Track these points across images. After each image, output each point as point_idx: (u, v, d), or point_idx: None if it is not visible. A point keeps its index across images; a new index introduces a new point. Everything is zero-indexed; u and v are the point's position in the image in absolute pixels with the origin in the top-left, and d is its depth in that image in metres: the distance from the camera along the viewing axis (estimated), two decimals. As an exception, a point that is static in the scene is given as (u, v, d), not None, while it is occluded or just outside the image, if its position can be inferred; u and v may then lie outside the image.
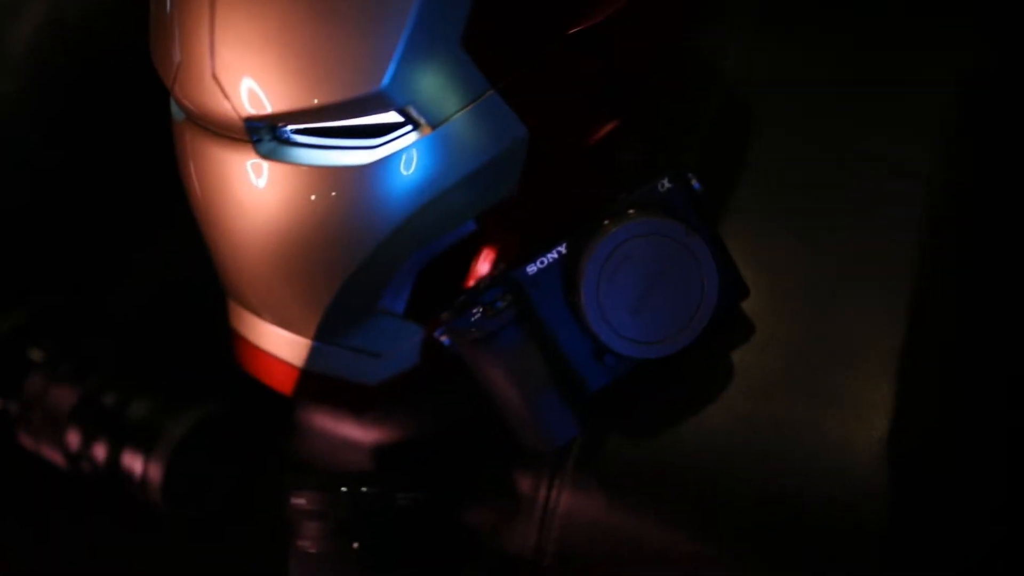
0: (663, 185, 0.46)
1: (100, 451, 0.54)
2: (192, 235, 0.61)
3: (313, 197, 0.42)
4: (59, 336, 0.58)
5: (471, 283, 0.48)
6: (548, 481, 0.50)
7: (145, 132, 0.62)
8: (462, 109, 0.41)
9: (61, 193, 0.63)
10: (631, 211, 0.45)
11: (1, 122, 0.61)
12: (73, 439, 0.54)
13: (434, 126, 0.41)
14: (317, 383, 0.48)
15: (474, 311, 0.44)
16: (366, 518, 0.46)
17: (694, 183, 0.46)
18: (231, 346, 0.51)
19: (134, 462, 0.53)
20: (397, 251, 0.44)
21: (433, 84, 0.40)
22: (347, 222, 0.42)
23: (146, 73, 0.62)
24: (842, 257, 0.50)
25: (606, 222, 0.45)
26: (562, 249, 0.45)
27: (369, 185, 0.41)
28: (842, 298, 0.50)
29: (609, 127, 0.46)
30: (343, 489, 0.47)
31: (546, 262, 0.45)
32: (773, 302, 0.49)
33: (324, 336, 0.46)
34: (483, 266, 0.48)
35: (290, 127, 0.42)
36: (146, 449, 0.53)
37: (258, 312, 0.48)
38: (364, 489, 0.47)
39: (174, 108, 0.46)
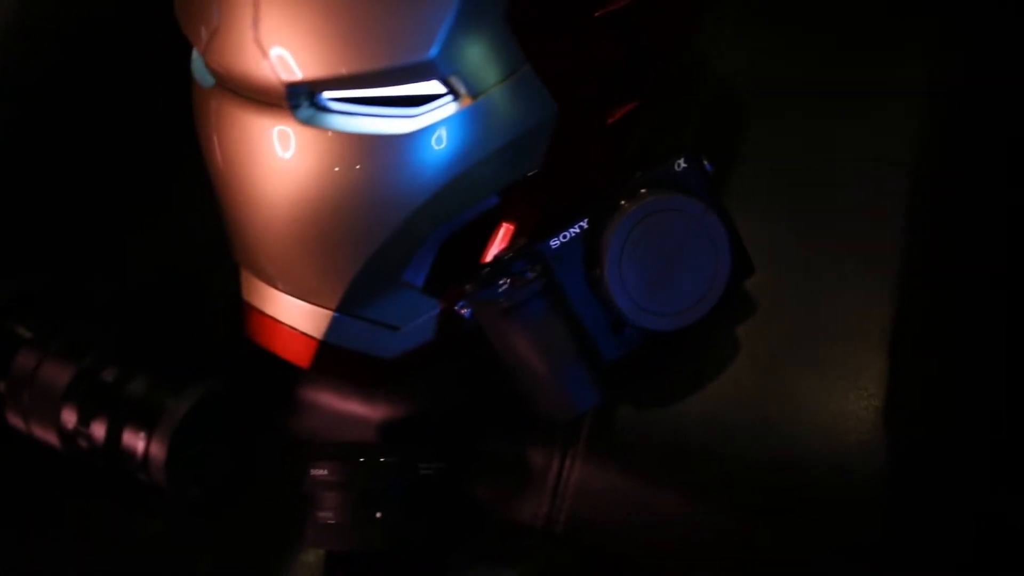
0: (679, 165, 0.48)
1: (99, 429, 0.53)
2: (186, 216, 0.61)
3: (351, 165, 0.43)
4: (45, 315, 0.56)
5: (488, 257, 0.49)
6: (561, 451, 0.51)
7: (136, 111, 0.61)
8: (500, 82, 0.42)
9: (43, 171, 0.62)
10: (648, 188, 0.47)
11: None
12: (69, 417, 0.53)
13: (474, 97, 0.42)
14: (334, 356, 0.48)
15: (501, 282, 0.45)
16: (389, 488, 0.47)
17: (706, 164, 0.48)
18: (243, 320, 0.51)
19: (136, 440, 0.52)
20: (428, 222, 0.45)
21: (477, 55, 0.41)
22: (383, 190, 0.43)
23: (134, 48, 0.62)
24: (832, 240, 0.53)
25: (625, 199, 0.46)
26: (584, 224, 0.47)
27: (407, 153, 0.42)
28: (834, 278, 0.52)
29: (628, 108, 0.48)
30: (365, 459, 0.47)
31: (568, 236, 0.46)
32: (771, 281, 0.51)
33: (346, 307, 0.47)
34: (501, 240, 0.49)
35: (328, 94, 0.42)
36: (148, 427, 0.52)
37: (278, 283, 0.48)
38: (386, 459, 0.47)
39: (200, 74, 0.46)
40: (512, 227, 0.49)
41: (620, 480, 0.50)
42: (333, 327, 0.47)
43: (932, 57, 0.56)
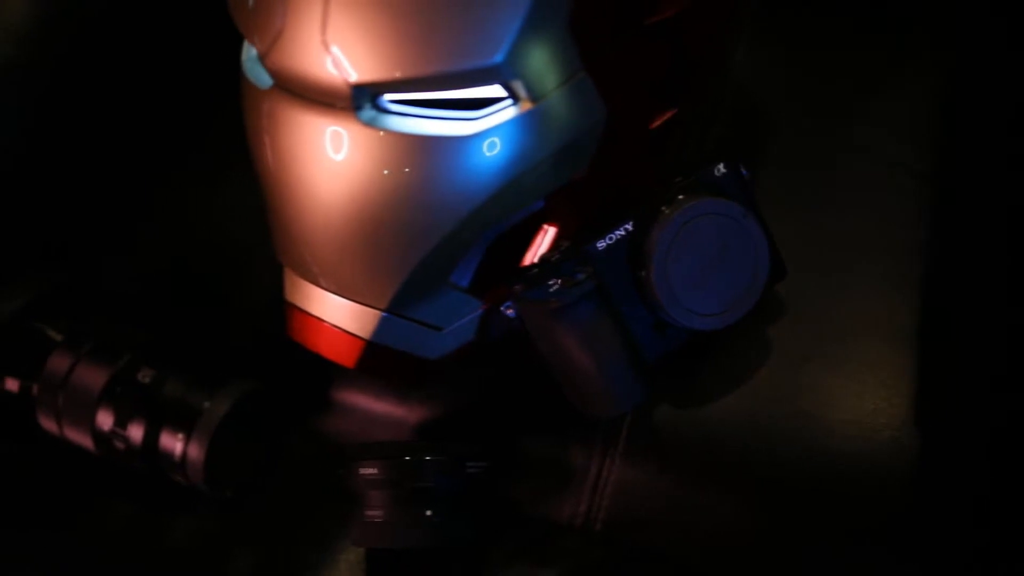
0: (719, 170, 0.49)
1: (135, 432, 0.52)
2: (197, 209, 0.61)
3: (410, 166, 0.43)
4: (71, 313, 0.56)
5: (529, 258, 0.51)
6: (601, 451, 0.52)
7: (151, 110, 0.61)
8: (558, 87, 0.43)
9: (58, 163, 0.62)
10: (689, 192, 0.48)
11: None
12: (105, 420, 0.53)
13: (533, 102, 0.43)
14: (378, 356, 0.49)
15: (551, 282, 0.46)
16: (438, 486, 0.47)
17: (742, 170, 0.50)
18: (284, 320, 0.51)
19: (174, 442, 0.52)
20: (481, 224, 0.46)
21: (540, 60, 0.42)
22: (440, 192, 0.44)
23: (154, 40, 0.62)
24: (853, 241, 0.55)
25: (669, 203, 0.48)
26: (629, 227, 0.48)
27: (466, 156, 0.43)
28: (857, 279, 0.54)
29: (668, 115, 0.49)
30: (412, 458, 0.48)
31: (614, 238, 0.48)
32: (798, 283, 0.53)
33: (394, 307, 0.47)
34: (544, 242, 0.50)
35: (389, 96, 0.43)
36: (186, 429, 0.52)
37: (325, 283, 0.48)
38: (433, 458, 0.48)
39: (255, 75, 0.46)
40: (555, 229, 0.50)
41: (658, 479, 0.52)
42: (380, 327, 0.48)
43: (939, 63, 0.58)
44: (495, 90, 0.43)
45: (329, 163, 0.44)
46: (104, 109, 0.63)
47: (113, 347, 0.54)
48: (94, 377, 0.53)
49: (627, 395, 0.47)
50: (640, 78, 0.47)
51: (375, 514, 0.48)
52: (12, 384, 0.54)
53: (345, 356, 0.49)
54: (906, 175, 0.56)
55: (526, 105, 0.43)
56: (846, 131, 0.58)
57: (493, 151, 0.43)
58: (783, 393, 0.52)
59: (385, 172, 0.43)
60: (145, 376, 0.53)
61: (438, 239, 0.45)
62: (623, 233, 0.48)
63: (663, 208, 0.48)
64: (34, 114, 0.61)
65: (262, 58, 0.44)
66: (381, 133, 0.43)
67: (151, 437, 0.52)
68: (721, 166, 0.49)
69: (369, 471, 0.47)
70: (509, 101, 0.43)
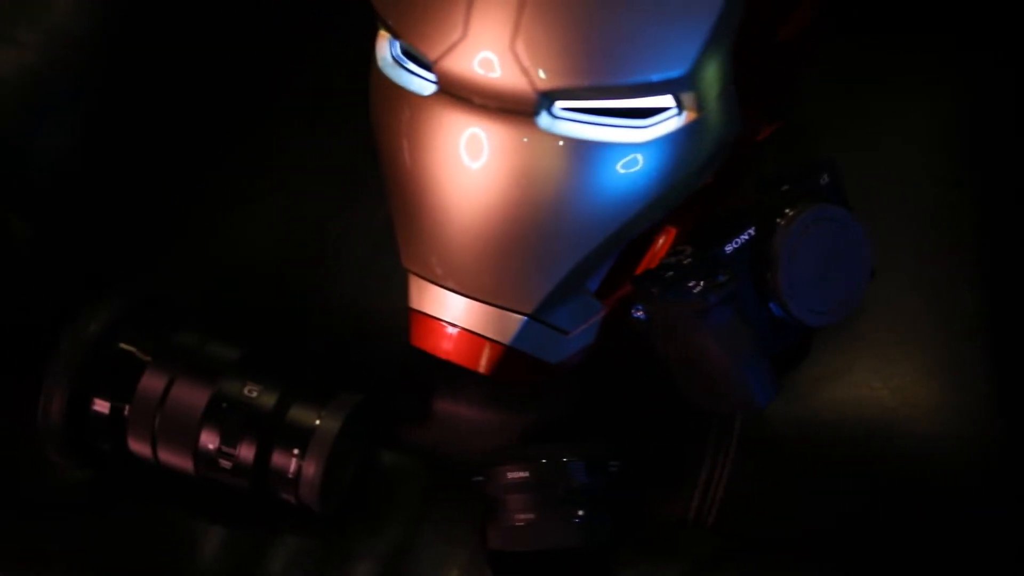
0: (824, 179, 0.53)
1: (246, 450, 0.50)
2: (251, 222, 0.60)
3: (582, 172, 0.44)
4: (153, 329, 0.53)
5: (646, 262, 0.52)
6: (713, 447, 0.55)
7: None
8: (716, 99, 0.45)
9: (108, 171, 0.59)
10: (798, 200, 0.52)
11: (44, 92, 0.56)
12: (210, 439, 0.50)
13: (697, 112, 0.45)
14: (509, 360, 0.49)
15: (691, 284, 0.48)
16: (585, 486, 0.48)
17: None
18: (411, 328, 0.50)
19: (287, 460, 0.51)
20: (632, 229, 0.47)
21: (712, 74, 0.44)
22: (606, 197, 0.45)
23: (209, 46, 0.60)
24: (892, 244, 0.59)
25: (782, 211, 0.51)
26: (751, 232, 0.51)
27: (634, 162, 0.44)
28: (908, 280, 0.59)
29: (776, 126, 0.52)
30: (562, 459, 0.48)
31: (739, 243, 0.50)
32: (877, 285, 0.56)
33: (538, 312, 0.48)
34: (664, 246, 0.52)
35: (562, 103, 0.44)
36: (300, 446, 0.51)
37: (466, 289, 0.47)
38: (582, 458, 0.48)
39: (400, 77, 0.46)
40: (674, 233, 0.52)
41: (768, 474, 0.54)
42: (520, 331, 0.48)
43: (969, 81, 0.64)
44: (665, 100, 0.44)
45: (493, 168, 0.44)
46: (145, 118, 0.61)
47: (209, 364, 0.52)
48: (195, 396, 0.51)
49: (765, 390, 0.50)
50: (762, 92, 0.50)
51: (524, 517, 0.48)
52: (102, 406, 0.51)
53: (480, 361, 0.49)
54: (941, 185, 0.62)
55: (691, 115, 0.45)
56: (882, 143, 0.63)
57: (663, 156, 0.45)
58: (876, 385, 0.55)
59: (557, 177, 0.44)
60: (252, 391, 0.51)
61: (596, 244, 0.46)
62: (747, 238, 0.50)
63: (778, 217, 0.51)
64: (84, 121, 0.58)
65: (431, 63, 0.44)
66: (557, 139, 0.43)
67: (263, 455, 0.50)
68: (825, 176, 0.53)
69: (518, 474, 0.48)
70: (675, 111, 0.45)
